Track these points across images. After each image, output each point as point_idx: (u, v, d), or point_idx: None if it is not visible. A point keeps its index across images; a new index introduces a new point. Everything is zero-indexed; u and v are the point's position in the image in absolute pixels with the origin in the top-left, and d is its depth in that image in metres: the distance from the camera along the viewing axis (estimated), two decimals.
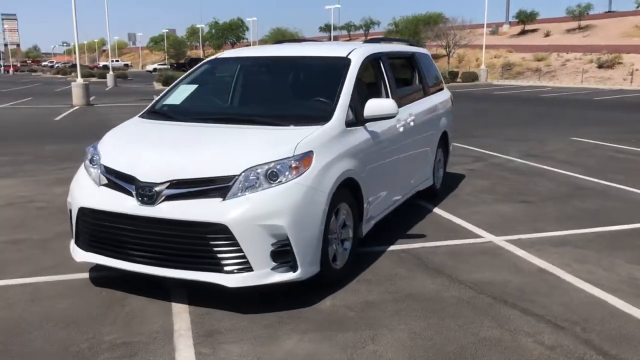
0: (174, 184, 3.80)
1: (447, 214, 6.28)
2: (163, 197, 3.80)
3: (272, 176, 3.81)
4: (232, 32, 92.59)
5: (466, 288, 4.26)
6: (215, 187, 3.76)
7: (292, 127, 4.30)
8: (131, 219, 3.85)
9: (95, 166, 4.24)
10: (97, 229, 4.04)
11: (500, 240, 5.38)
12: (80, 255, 4.15)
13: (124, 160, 4.09)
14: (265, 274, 3.75)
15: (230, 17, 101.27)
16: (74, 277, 4.46)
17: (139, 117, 4.94)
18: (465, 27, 51.97)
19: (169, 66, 71.84)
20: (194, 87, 5.30)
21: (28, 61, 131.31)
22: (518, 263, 4.80)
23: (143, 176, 3.88)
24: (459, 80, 42.80)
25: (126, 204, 3.87)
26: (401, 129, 5.45)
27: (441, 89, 7.32)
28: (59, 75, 67.26)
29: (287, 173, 3.84)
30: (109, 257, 4.01)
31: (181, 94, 5.20)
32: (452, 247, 5.18)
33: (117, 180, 4.01)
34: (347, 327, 3.64)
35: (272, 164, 3.84)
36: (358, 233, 4.72)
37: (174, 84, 5.39)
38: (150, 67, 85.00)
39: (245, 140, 4.16)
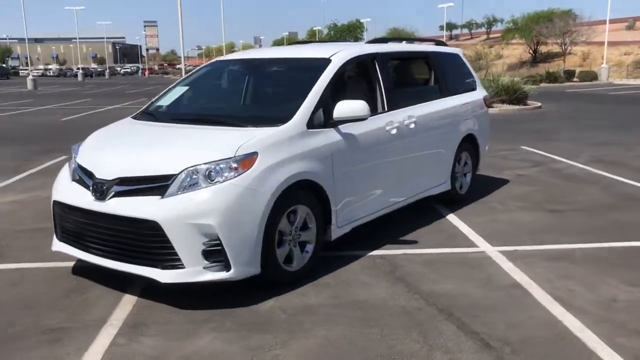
0: (121, 181, 4.02)
1: (458, 221, 6.00)
2: (112, 193, 4.02)
3: (209, 176, 3.90)
4: (350, 33, 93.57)
5: (418, 298, 4.08)
6: (156, 186, 3.92)
7: (249, 127, 4.36)
8: (87, 213, 4.12)
9: (73, 163, 4.58)
10: (64, 221, 4.37)
11: (493, 251, 5.07)
12: (56, 245, 4.50)
13: (90, 158, 4.39)
14: (197, 272, 3.85)
15: (350, 18, 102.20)
16: (60, 265, 4.81)
17: (131, 117, 5.24)
18: (584, 24, 48.44)
19: None
20: (185, 88, 5.52)
21: (165, 64, 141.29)
22: (494, 276, 4.50)
23: (99, 173, 4.14)
24: (575, 79, 39.99)
25: (84, 199, 4.15)
26: (394, 131, 5.29)
27: (471, 90, 6.98)
28: None
29: (225, 173, 3.91)
30: (75, 247, 4.32)
31: (173, 95, 5.44)
32: (435, 256, 4.97)
33: (82, 176, 4.31)
34: (269, 330, 3.64)
35: (212, 164, 3.93)
36: (326, 236, 4.69)
37: (172, 85, 5.65)
38: None
39: (197, 140, 4.29)
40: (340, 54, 5.09)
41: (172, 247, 3.81)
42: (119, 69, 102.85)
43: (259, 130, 4.28)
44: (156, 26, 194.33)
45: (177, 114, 5.06)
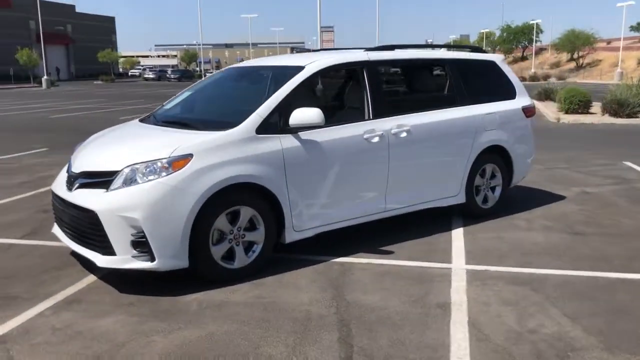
0: (84, 174, 4.58)
1: (459, 235, 5.75)
2: (77, 185, 4.60)
3: (145, 174, 4.30)
4: (525, 35, 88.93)
5: (333, 306, 4.09)
6: (104, 180, 4.41)
7: (201, 131, 4.68)
8: (62, 200, 4.74)
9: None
10: (54, 207, 5.06)
11: (459, 269, 4.82)
12: (53, 228, 5.21)
13: (75, 153, 5.03)
14: (126, 260, 4.27)
15: (527, 19, 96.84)
16: (59, 244, 5.46)
17: (138, 120, 5.81)
18: None
19: None
20: (188, 93, 5.97)
21: None
22: (432, 293, 4.32)
23: (73, 166, 4.76)
24: None
25: (62, 189, 4.79)
26: (375, 140, 5.25)
27: (507, 99, 6.57)
28: None
29: (157, 172, 4.28)
30: (60, 230, 4.98)
31: (176, 99, 5.93)
32: (395, 267, 4.86)
33: (68, 168, 4.97)
34: (170, 319, 3.92)
35: (149, 163, 4.32)
36: (281, 239, 4.84)
37: (183, 90, 6.14)
38: None
39: (150, 140, 4.72)
40: (316, 62, 5.19)
41: (106, 236, 4.26)
42: None
43: (206, 134, 4.58)
44: (333, 31, 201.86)
45: (164, 117, 5.51)
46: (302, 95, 5.01)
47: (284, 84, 4.96)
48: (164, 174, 4.27)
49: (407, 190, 5.65)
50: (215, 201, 4.38)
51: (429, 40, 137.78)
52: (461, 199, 6.14)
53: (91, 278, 4.68)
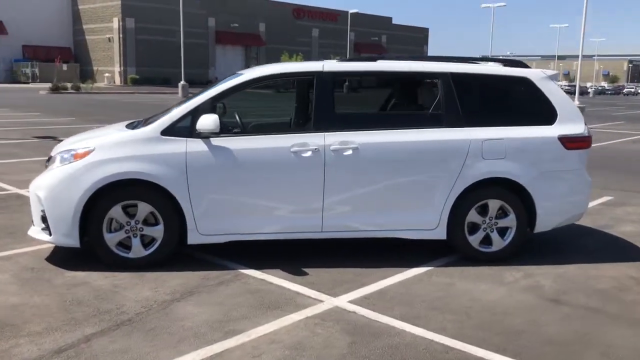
0: (50, 155, 5.48)
1: (409, 274, 5.01)
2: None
3: (60, 161, 4.99)
4: None
5: (140, 305, 4.18)
6: (50, 163, 5.23)
7: (127, 129, 5.16)
8: None
9: None
10: None
11: (331, 306, 4.31)
12: None
13: None
14: (38, 231, 5.03)
15: None
16: None
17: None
18: None
19: None
20: None
21: None
22: (247, 318, 4.02)
23: None
24: None
25: None
26: (307, 154, 4.98)
27: (540, 124, 5.37)
28: None
29: (66, 161, 4.93)
30: None
31: None
32: (269, 288, 4.58)
33: None
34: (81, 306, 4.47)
35: (64, 152, 5.01)
36: (184, 239, 5.02)
37: None
38: None
39: (90, 135, 5.37)
40: (255, 70, 5.17)
41: (30, 209, 5.09)
42: (630, 88, 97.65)
43: (122, 132, 5.07)
44: None
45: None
46: (217, 102, 5.10)
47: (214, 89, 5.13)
48: (67, 162, 4.90)
49: (356, 213, 5.17)
50: (110, 192, 4.82)
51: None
52: (440, 234, 5.30)
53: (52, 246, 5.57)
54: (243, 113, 5.62)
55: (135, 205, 4.91)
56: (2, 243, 5.56)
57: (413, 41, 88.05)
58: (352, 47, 72.49)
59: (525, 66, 5.70)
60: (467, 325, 4.04)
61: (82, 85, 43.18)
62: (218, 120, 4.80)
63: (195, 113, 4.96)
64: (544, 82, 5.50)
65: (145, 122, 5.25)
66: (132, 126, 5.41)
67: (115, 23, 57.04)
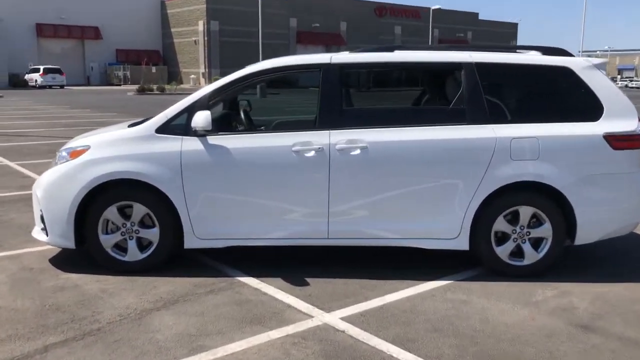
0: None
1: (422, 288, 4.49)
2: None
3: (59, 159, 4.86)
4: None
5: (125, 314, 3.94)
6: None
7: (127, 128, 4.95)
8: None
9: None
10: None
11: (320, 323, 3.88)
12: None
13: None
14: (38, 232, 4.92)
15: None
16: None
17: None
18: None
19: None
20: None
21: None
22: (224, 332, 3.67)
23: None
24: None
25: None
26: (310, 154, 4.57)
27: (580, 120, 4.68)
28: None
29: (64, 159, 4.79)
30: None
31: None
32: (258, 297, 4.21)
33: None
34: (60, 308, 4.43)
35: (64, 150, 4.87)
36: (183, 242, 4.76)
37: None
38: None
39: (92, 133, 5.19)
40: (258, 64, 4.80)
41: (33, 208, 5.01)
42: None
43: (119, 130, 4.86)
44: None
45: None
46: (218, 98, 4.81)
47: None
48: (63, 160, 4.75)
49: (365, 219, 4.69)
50: (105, 192, 4.63)
51: None
52: (461, 244, 4.73)
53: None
54: (252, 111, 5.30)
55: (131, 207, 4.69)
56: (17, 242, 5.54)
57: (500, 37, 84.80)
58: (436, 44, 70.82)
59: (568, 54, 4.99)
60: (468, 352, 3.49)
61: (166, 86, 44.67)
62: (210, 118, 4.49)
63: (192, 110, 4.68)
64: (588, 71, 4.78)
65: (145, 121, 5.04)
66: (134, 125, 5.20)
67: (201, 26, 58.67)
